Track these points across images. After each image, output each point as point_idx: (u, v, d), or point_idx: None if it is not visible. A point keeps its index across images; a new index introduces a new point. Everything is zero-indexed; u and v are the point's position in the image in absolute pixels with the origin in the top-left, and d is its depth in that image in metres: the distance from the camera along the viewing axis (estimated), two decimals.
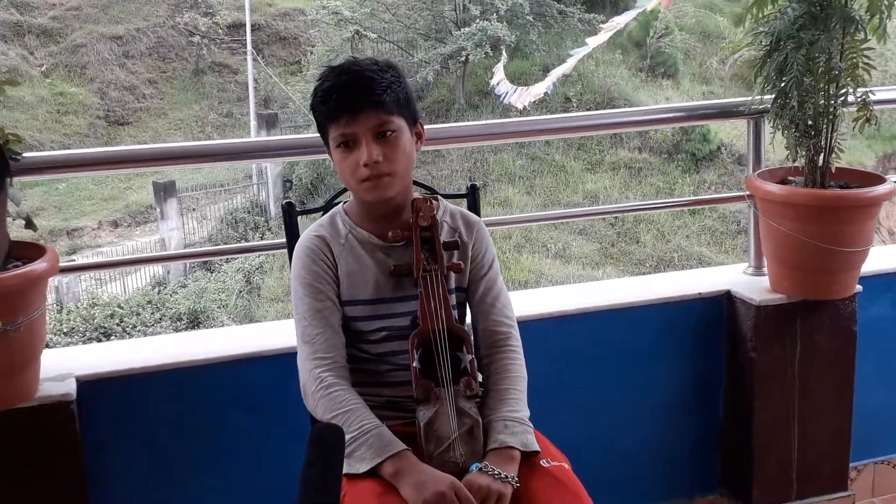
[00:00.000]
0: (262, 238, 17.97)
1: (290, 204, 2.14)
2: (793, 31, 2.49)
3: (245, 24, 22.13)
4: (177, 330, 13.60)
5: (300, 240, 2.00)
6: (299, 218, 2.18)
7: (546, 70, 18.30)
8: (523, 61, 19.85)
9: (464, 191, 2.21)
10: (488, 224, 2.14)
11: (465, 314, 2.03)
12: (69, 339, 12.45)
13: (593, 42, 14.50)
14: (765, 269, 2.79)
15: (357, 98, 1.84)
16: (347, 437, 1.78)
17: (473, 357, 1.89)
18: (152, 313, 13.83)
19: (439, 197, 2.07)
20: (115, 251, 17.76)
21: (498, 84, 16.92)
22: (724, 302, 2.73)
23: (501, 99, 16.61)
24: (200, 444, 2.38)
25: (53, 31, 23.46)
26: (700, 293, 2.73)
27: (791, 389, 2.68)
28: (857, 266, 2.58)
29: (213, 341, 2.49)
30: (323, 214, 2.09)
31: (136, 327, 13.34)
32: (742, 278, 2.81)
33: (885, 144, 18.62)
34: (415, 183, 2.02)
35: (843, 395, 2.73)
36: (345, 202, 2.07)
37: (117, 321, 13.35)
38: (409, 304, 1.93)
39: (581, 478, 1.85)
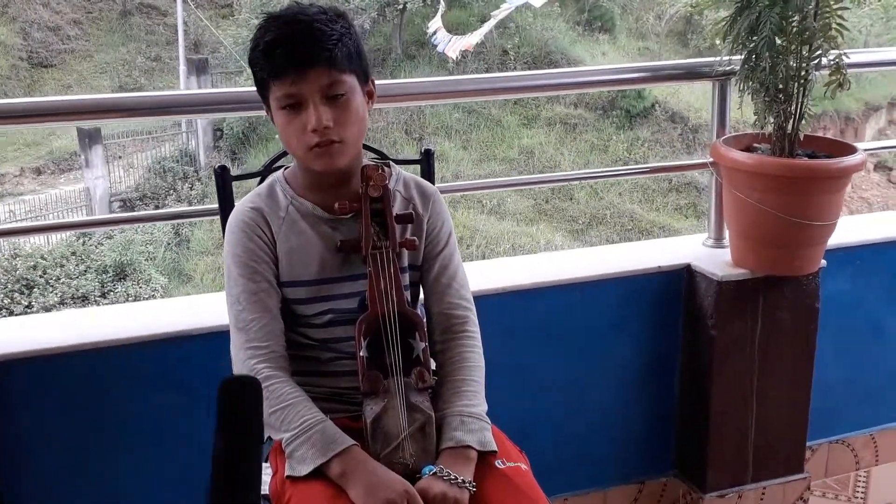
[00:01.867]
0: (191, 189, 17.53)
1: (223, 168, 1.91)
2: None
3: None
4: (102, 283, 13.20)
5: (234, 212, 1.78)
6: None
7: (484, 21, 18.06)
8: (461, 11, 19.55)
9: (416, 156, 2.02)
10: (444, 191, 1.95)
11: (418, 294, 1.85)
12: None
13: (538, 2, 14.36)
14: (726, 242, 2.67)
15: (305, 53, 1.62)
16: (288, 435, 1.61)
17: (427, 344, 1.70)
18: (77, 265, 13.39)
19: (392, 163, 1.88)
20: (38, 199, 17.15)
21: (435, 33, 16.68)
22: (684, 276, 2.60)
23: (437, 48, 16.37)
24: (123, 429, 2.16)
25: None
26: (660, 266, 2.58)
27: (750, 368, 2.57)
28: (824, 240, 2.46)
29: (135, 317, 2.26)
30: (261, 181, 1.88)
31: (59, 279, 12.92)
32: (702, 251, 2.68)
33: None
34: (365, 147, 1.82)
35: (802, 375, 2.63)
36: (285, 168, 1.85)
37: (40, 273, 12.92)
38: (358, 283, 1.73)
39: (532, 460, 1.72)
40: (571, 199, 16.84)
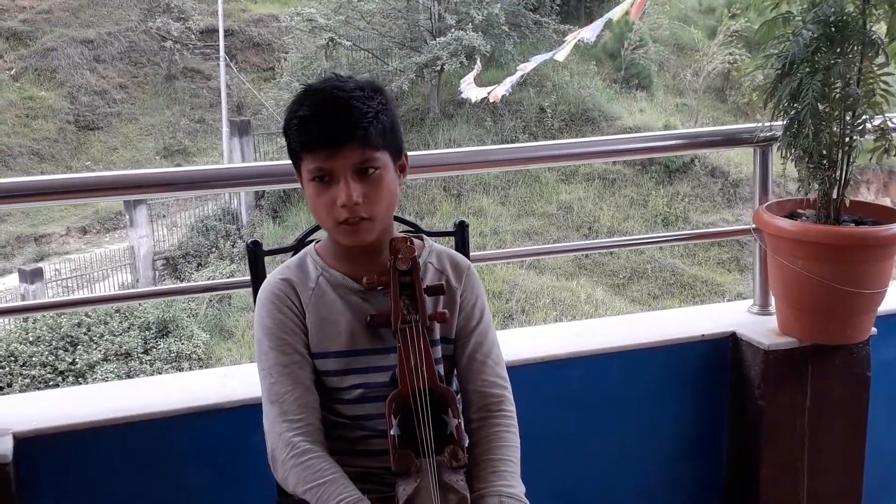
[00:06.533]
0: (233, 247, 17.67)
1: (255, 243, 1.90)
2: (807, 55, 2.30)
3: (218, 30, 21.78)
4: (145, 340, 13.29)
5: (264, 284, 1.76)
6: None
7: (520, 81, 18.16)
8: (498, 71, 19.67)
9: (451, 228, 1.99)
10: (479, 259, 1.91)
11: (451, 368, 1.80)
12: (35, 349, 12.11)
13: (560, 56, 14.49)
14: (771, 308, 2.59)
15: (339, 131, 1.61)
16: None
17: (460, 421, 1.65)
18: (120, 322, 13.50)
19: (424, 236, 1.85)
20: (84, 259, 17.39)
21: (464, 88, 16.78)
22: (730, 345, 2.52)
23: (461, 95, 16.47)
24: None
25: (23, 34, 22.99)
26: (703, 335, 2.52)
27: (800, 440, 2.48)
28: (874, 308, 2.38)
29: (166, 390, 2.24)
30: (293, 254, 1.86)
31: (103, 336, 13.01)
32: (747, 318, 2.61)
33: None
34: (397, 219, 1.79)
35: (855, 446, 2.53)
36: (317, 241, 1.83)
37: (84, 330, 13.02)
38: (389, 356, 1.69)
39: None
40: (612, 253, 16.70)
